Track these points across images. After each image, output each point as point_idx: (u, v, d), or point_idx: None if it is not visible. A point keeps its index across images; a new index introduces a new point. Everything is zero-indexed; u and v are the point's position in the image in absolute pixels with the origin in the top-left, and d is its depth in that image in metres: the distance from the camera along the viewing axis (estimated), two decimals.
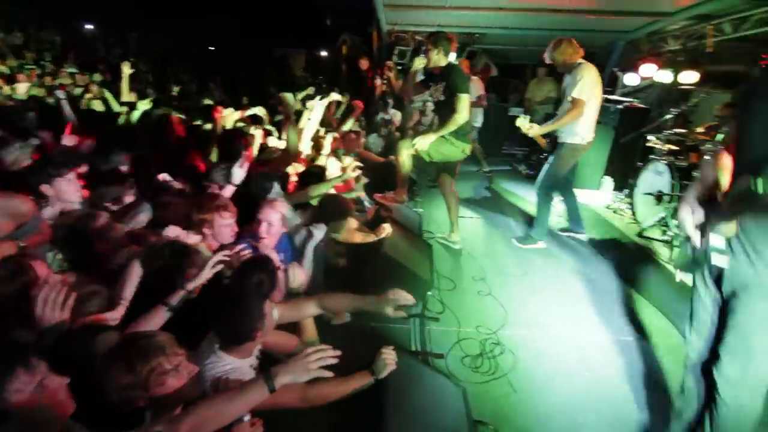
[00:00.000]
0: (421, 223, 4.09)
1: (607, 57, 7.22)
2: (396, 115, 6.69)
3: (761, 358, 1.60)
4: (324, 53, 14.49)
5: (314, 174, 3.39)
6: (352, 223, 3.06)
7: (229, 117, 4.27)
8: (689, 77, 5.52)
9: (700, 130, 4.44)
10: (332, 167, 3.97)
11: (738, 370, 1.64)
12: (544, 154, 4.95)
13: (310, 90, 5.20)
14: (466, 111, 3.40)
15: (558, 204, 4.45)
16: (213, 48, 17.15)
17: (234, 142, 3.46)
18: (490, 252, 4.07)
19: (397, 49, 7.08)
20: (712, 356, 1.72)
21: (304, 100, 5.12)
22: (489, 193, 5.94)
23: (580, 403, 2.33)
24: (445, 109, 3.48)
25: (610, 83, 6.79)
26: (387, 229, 3.06)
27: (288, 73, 12.91)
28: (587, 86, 3.60)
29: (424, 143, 3.48)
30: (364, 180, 4.09)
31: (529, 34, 7.35)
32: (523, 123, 3.85)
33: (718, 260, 1.59)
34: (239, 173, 2.77)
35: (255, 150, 3.79)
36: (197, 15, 15.08)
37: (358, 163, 3.81)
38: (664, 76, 6.07)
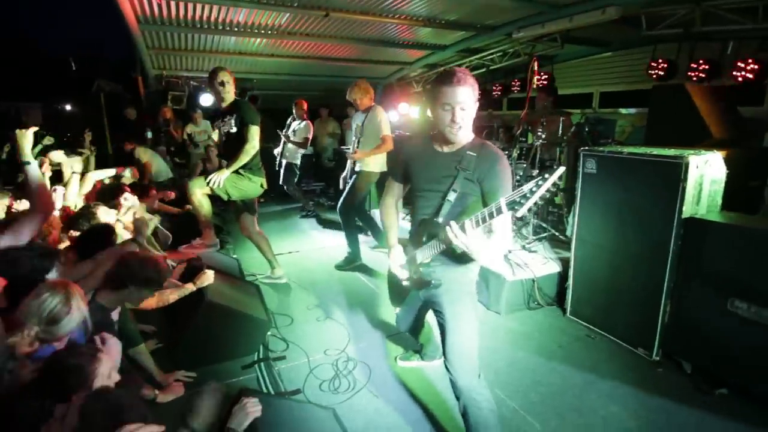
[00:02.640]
0: (240, 266, 3.82)
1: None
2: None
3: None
4: (68, 106, 12.13)
5: (100, 233, 2.74)
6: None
7: None
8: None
9: None
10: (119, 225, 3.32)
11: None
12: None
13: (49, 140, 4.26)
14: (256, 141, 3.40)
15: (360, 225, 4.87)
16: None
17: None
18: (316, 280, 4.11)
19: (170, 95, 6.56)
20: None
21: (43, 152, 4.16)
22: (300, 227, 6.02)
23: (436, 388, 2.54)
24: (237, 143, 3.39)
25: None
26: (209, 275, 2.72)
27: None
28: (387, 124, 4.17)
29: (219, 179, 3.30)
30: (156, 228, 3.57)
31: (302, 80, 7.97)
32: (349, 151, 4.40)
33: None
34: None
35: None
36: None
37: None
38: (414, 112, 7.61)
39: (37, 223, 1.99)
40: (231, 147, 3.46)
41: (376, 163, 4.29)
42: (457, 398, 1.85)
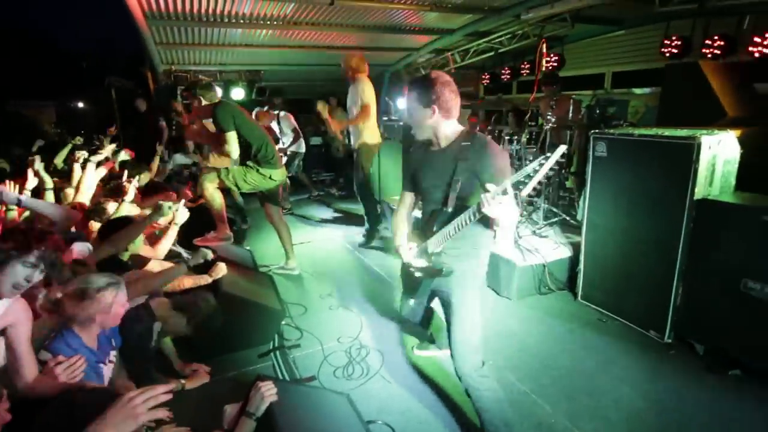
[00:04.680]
0: (253, 258, 3.89)
1: (379, 86, 8.42)
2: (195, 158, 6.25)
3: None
4: (80, 104, 12.33)
5: (120, 225, 2.82)
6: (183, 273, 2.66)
7: None
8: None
9: None
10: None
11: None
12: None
13: (78, 140, 4.37)
14: (233, 147, 3.44)
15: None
16: None
17: None
18: (329, 269, 4.17)
19: (180, 90, 6.62)
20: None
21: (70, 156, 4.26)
22: (312, 218, 6.08)
23: (450, 374, 2.57)
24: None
25: (385, 110, 7.93)
26: (221, 267, 2.79)
27: (36, 130, 10.43)
28: (369, 93, 4.27)
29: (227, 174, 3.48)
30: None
31: (309, 70, 7.95)
32: (323, 108, 4.63)
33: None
34: None
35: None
36: None
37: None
38: None
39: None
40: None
41: (369, 135, 4.44)
42: (462, 384, 1.94)
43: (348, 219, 5.90)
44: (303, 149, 6.69)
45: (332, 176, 8.39)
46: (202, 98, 3.51)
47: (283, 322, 3.03)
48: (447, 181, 1.84)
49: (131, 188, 3.10)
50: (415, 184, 2.06)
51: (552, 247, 3.57)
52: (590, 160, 3.10)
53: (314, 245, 4.91)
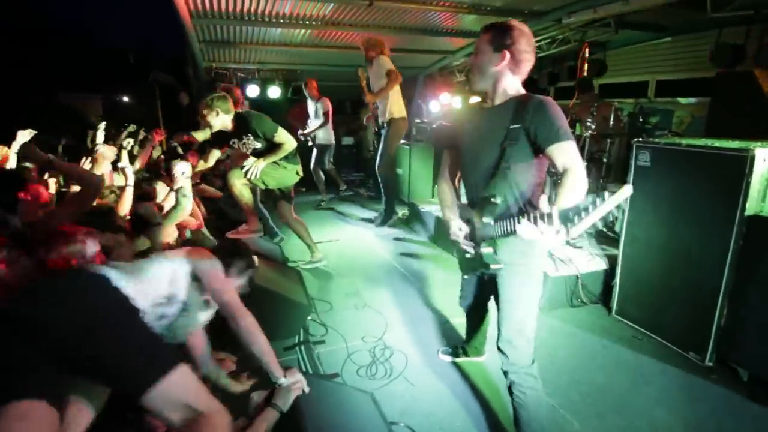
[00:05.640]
0: (282, 252, 3.95)
1: (413, 89, 8.41)
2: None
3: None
4: (125, 98, 12.86)
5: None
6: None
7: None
8: (475, 101, 6.91)
9: None
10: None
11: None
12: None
13: (132, 127, 4.54)
14: (289, 139, 3.48)
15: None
16: None
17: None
18: (355, 268, 4.18)
19: (219, 86, 6.83)
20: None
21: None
22: (337, 217, 6.12)
23: (474, 376, 2.54)
24: (270, 149, 3.48)
25: (417, 112, 7.91)
26: (254, 259, 2.84)
27: (84, 121, 10.97)
28: (388, 62, 4.56)
29: (255, 171, 3.41)
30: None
31: (343, 71, 8.02)
32: (362, 74, 4.96)
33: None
34: None
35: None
36: None
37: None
38: (457, 102, 7.47)
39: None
40: (263, 153, 3.52)
41: (398, 109, 4.64)
42: (506, 377, 1.85)
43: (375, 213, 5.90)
44: (333, 141, 6.74)
45: (362, 176, 8.44)
46: (219, 110, 3.30)
47: (309, 318, 3.06)
48: (496, 143, 1.64)
49: (180, 174, 3.14)
50: (456, 144, 1.88)
51: (586, 259, 3.46)
52: (632, 170, 2.98)
53: (342, 243, 4.94)
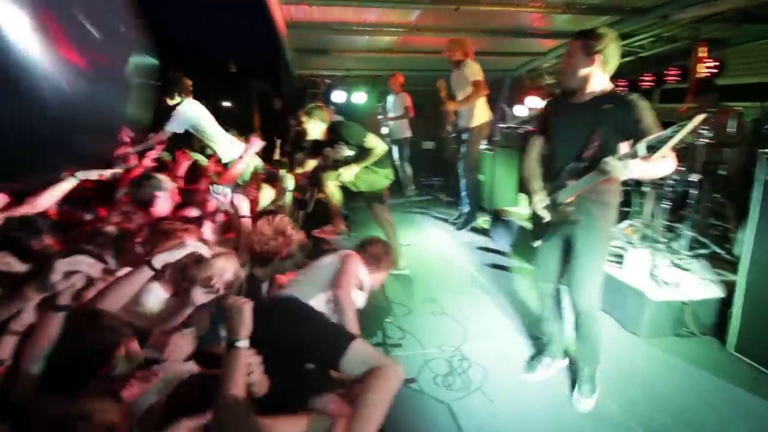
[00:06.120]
0: None
1: (497, 93, 8.14)
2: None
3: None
4: (226, 103, 14.11)
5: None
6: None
7: None
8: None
9: None
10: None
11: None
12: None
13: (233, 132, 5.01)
14: (379, 144, 3.60)
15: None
16: None
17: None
18: (433, 273, 4.14)
19: (309, 93, 7.21)
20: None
21: None
22: (417, 220, 6.12)
23: (558, 402, 2.39)
24: (362, 154, 3.61)
25: (501, 116, 7.64)
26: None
27: None
28: (478, 70, 4.46)
29: (348, 174, 3.57)
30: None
31: (427, 75, 8.02)
32: (442, 86, 4.87)
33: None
34: None
35: None
36: None
37: None
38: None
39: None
40: (355, 159, 3.67)
41: (481, 115, 4.46)
42: (576, 316, 2.27)
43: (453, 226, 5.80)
44: (408, 135, 6.87)
45: (442, 180, 8.35)
46: (317, 119, 3.62)
47: (387, 320, 3.09)
48: (585, 134, 1.92)
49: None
50: (547, 132, 2.21)
51: (696, 283, 3.07)
52: (758, 185, 2.59)
53: (420, 247, 4.92)
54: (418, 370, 2.64)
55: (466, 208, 5.30)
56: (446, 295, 3.66)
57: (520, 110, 7.37)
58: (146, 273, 1.60)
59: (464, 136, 4.97)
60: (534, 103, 7.26)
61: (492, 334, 3.06)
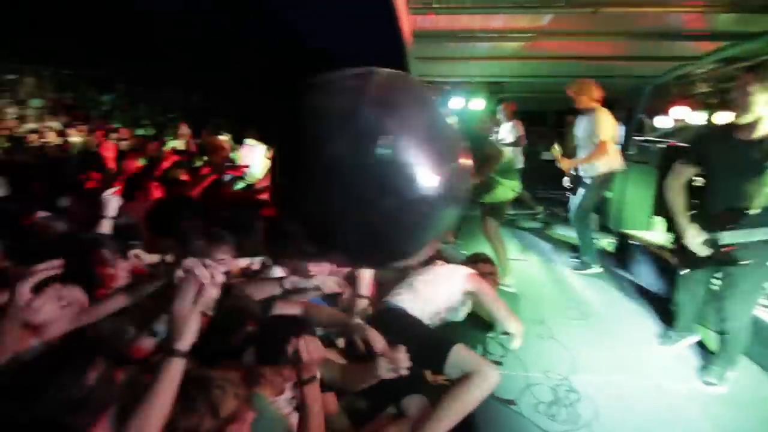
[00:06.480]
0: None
1: (635, 102, 7.30)
2: None
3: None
4: None
5: None
6: None
7: None
8: (724, 118, 5.53)
9: None
10: None
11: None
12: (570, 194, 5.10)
13: None
14: (499, 152, 3.70)
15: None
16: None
17: None
18: (544, 294, 3.92)
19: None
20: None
21: None
22: (534, 236, 5.82)
23: None
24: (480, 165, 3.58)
25: (638, 128, 6.82)
26: None
27: None
28: (609, 128, 3.95)
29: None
30: None
31: (553, 82, 7.56)
32: (556, 152, 4.60)
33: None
34: None
35: None
36: None
37: None
38: (699, 118, 6.11)
39: None
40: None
41: (605, 165, 4.06)
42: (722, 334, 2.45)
43: (571, 244, 5.36)
44: (522, 165, 6.60)
45: (561, 194, 7.80)
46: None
47: (489, 335, 3.01)
48: (755, 176, 1.90)
49: None
50: (702, 164, 2.22)
51: None
52: None
53: (531, 264, 4.69)
54: (519, 392, 2.53)
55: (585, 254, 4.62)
56: (556, 319, 3.43)
57: (663, 121, 6.53)
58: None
59: (585, 179, 4.39)
60: (681, 113, 6.35)
61: (606, 370, 2.78)
